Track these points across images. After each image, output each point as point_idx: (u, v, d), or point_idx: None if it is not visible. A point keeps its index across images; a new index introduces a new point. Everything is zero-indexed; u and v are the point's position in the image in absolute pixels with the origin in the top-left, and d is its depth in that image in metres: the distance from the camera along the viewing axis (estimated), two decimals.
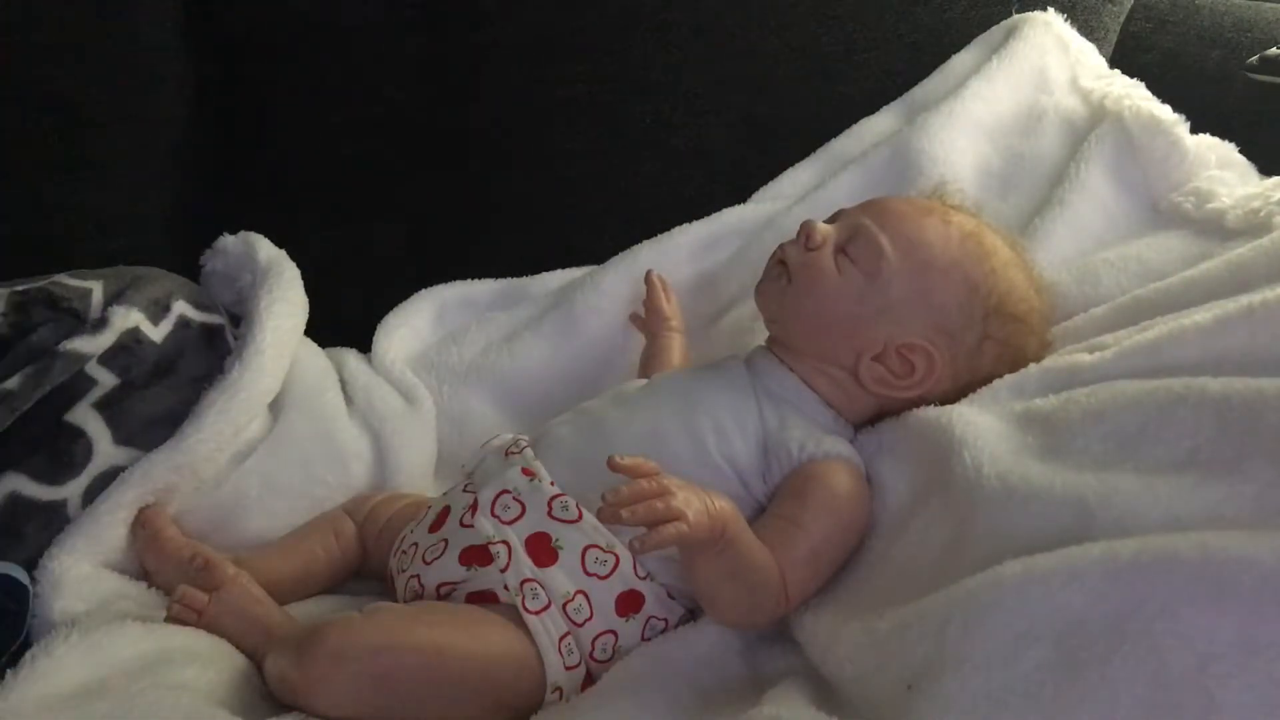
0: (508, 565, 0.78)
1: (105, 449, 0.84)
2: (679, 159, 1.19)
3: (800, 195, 1.15)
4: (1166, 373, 0.73)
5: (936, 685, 0.60)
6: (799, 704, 0.67)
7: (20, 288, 0.86)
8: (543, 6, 1.16)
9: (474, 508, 0.82)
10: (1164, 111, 1.06)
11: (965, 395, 0.83)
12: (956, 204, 0.94)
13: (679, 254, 1.13)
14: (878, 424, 0.86)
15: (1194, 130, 1.04)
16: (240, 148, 1.18)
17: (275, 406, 0.95)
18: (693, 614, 0.82)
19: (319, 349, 1.04)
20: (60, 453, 0.82)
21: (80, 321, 0.86)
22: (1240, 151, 1.05)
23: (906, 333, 0.84)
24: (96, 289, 0.88)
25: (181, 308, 0.92)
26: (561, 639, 0.77)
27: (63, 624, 0.76)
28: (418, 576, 0.82)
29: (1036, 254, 0.96)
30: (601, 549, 0.79)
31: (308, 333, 1.02)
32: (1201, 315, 0.76)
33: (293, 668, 0.73)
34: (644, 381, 0.95)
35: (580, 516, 0.80)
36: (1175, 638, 0.55)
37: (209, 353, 0.92)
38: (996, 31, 1.22)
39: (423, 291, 1.14)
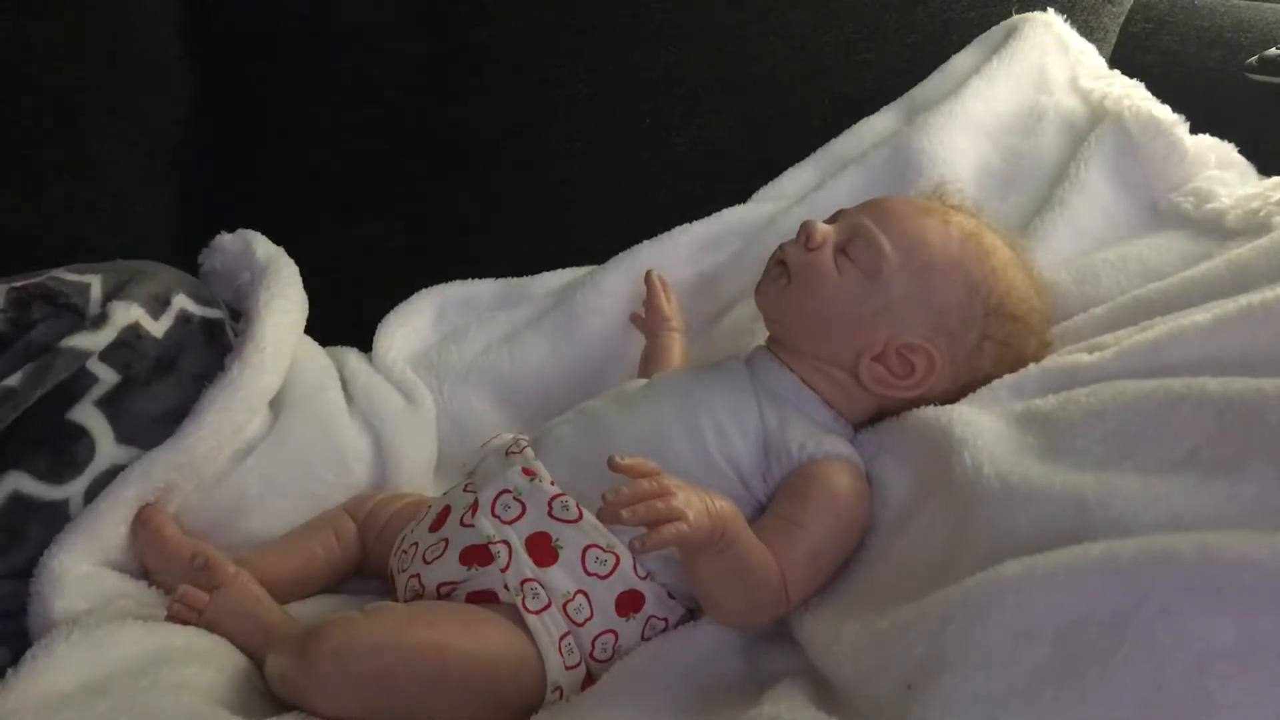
0: (508, 565, 0.78)
1: (107, 448, 0.84)
2: (679, 159, 1.19)
3: (800, 195, 1.15)
4: (1166, 373, 0.73)
5: (936, 685, 0.60)
6: (799, 704, 0.67)
7: (18, 283, 0.86)
8: (543, 6, 1.15)
9: (474, 507, 0.82)
10: (1164, 111, 1.06)
11: (965, 395, 0.83)
12: (956, 204, 0.94)
13: (679, 254, 1.13)
14: (878, 424, 0.86)
15: (1194, 130, 1.04)
16: (240, 148, 1.18)
17: (276, 405, 0.95)
18: (693, 614, 0.82)
19: (319, 348, 1.04)
20: (62, 451, 0.82)
21: (80, 317, 0.85)
22: (1240, 151, 1.04)
23: (906, 333, 0.84)
24: (95, 284, 0.88)
25: (181, 302, 0.91)
26: (562, 638, 0.77)
27: (64, 623, 0.76)
28: (418, 576, 0.82)
29: (1036, 254, 0.96)
30: (602, 549, 0.79)
31: (308, 332, 1.02)
32: (1201, 315, 0.76)
33: (293, 667, 0.73)
34: (644, 381, 0.95)
35: (580, 516, 0.80)
36: (1175, 638, 0.55)
37: (209, 348, 0.92)
38: (996, 31, 1.22)
39: (423, 291, 1.14)
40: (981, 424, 0.76)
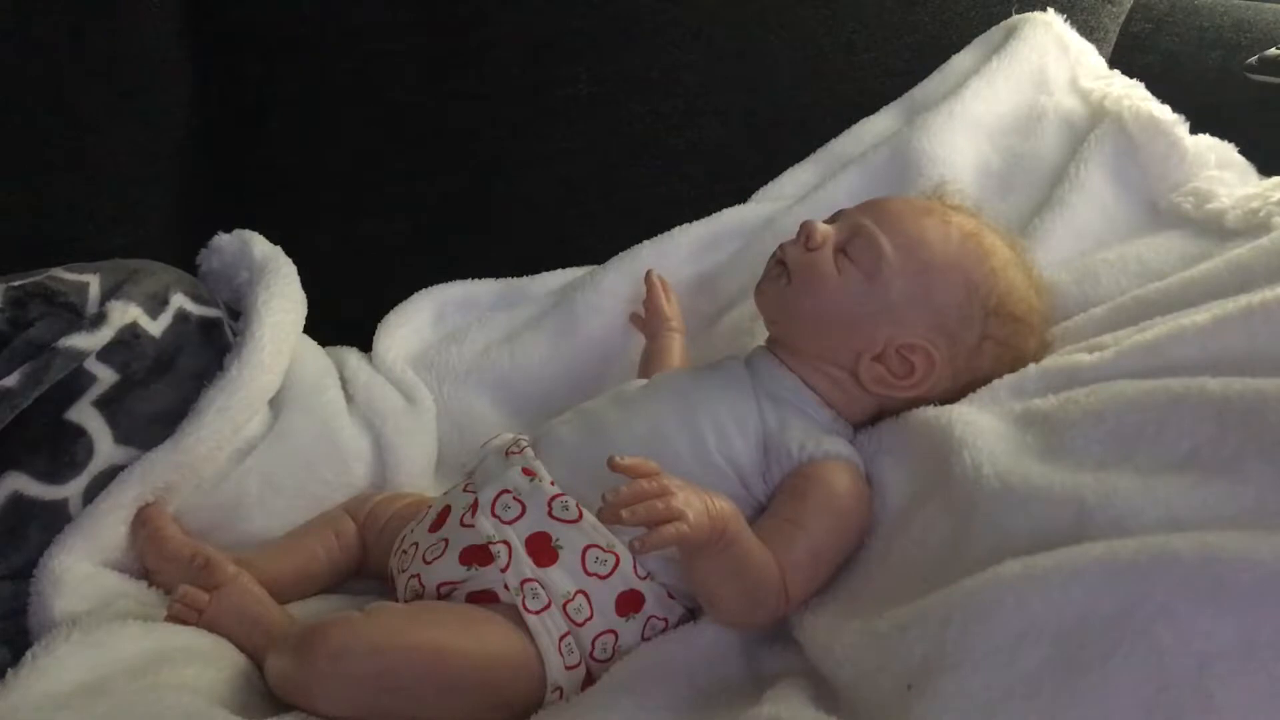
0: (508, 565, 0.78)
1: (106, 448, 0.84)
2: (679, 159, 1.19)
3: (800, 195, 1.15)
4: (1166, 373, 0.73)
5: (936, 685, 0.60)
6: (799, 704, 0.67)
7: (16, 283, 0.85)
8: (543, 6, 1.16)
9: (474, 507, 0.82)
10: (1164, 112, 1.06)
11: (965, 395, 0.83)
12: (956, 204, 0.94)
13: (679, 254, 1.13)
14: (878, 424, 0.86)
15: (1194, 130, 1.04)
16: (240, 148, 1.18)
17: (276, 404, 0.95)
18: (693, 614, 0.82)
19: (319, 347, 1.05)
20: (61, 452, 0.82)
21: (78, 316, 0.85)
22: (1240, 151, 1.05)
23: (906, 333, 0.84)
24: (93, 283, 0.88)
25: (179, 301, 0.91)
26: (562, 638, 0.77)
27: (64, 623, 0.76)
28: (418, 576, 0.82)
29: (1036, 254, 0.96)
30: (602, 549, 0.79)
31: (308, 332, 1.02)
32: (1201, 315, 0.76)
33: (293, 667, 0.73)
34: (644, 381, 0.95)
35: (580, 516, 0.80)
36: (1175, 637, 0.55)
37: (208, 347, 0.92)
38: (996, 32, 1.22)
39: (423, 291, 1.15)
40: (981, 424, 0.76)
